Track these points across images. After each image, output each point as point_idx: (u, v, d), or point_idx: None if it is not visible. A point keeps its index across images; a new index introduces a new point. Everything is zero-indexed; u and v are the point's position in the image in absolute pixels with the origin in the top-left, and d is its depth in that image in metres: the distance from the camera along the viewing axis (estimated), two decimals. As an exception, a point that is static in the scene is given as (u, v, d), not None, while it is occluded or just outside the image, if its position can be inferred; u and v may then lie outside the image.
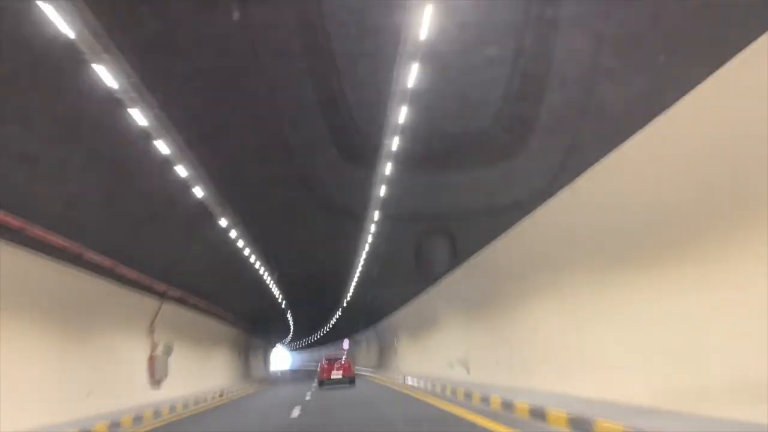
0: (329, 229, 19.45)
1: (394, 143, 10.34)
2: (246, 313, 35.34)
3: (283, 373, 68.19)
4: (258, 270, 24.10)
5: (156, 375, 19.21)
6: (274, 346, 71.40)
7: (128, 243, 14.36)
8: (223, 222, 16.25)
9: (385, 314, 35.36)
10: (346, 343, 52.23)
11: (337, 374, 26.25)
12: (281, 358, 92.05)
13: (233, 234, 17.69)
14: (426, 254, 18.05)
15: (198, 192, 13.11)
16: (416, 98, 8.70)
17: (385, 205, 14.43)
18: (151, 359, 19.17)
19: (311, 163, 12.16)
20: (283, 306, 38.51)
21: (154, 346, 19.51)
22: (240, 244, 19.06)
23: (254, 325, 41.93)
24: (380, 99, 8.88)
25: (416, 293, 24.54)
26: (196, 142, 10.82)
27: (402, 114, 9.27)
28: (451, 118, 9.66)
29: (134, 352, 18.17)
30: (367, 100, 9.16)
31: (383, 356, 43.02)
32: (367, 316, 39.83)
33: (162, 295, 19.30)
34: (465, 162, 10.84)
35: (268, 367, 64.22)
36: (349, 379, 26.12)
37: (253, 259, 21.86)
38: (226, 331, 33.19)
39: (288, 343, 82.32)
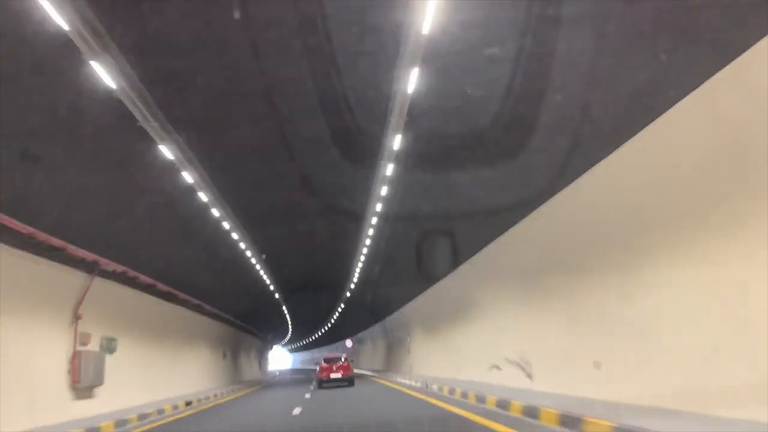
0: (328, 224, 18.98)
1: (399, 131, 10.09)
2: (235, 307, 31.46)
3: (282, 373, 65.81)
4: (253, 265, 22.92)
5: (83, 380, 13.20)
6: (271, 346, 69.06)
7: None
8: (215, 212, 14.80)
9: (393, 308, 31.44)
10: (348, 343, 49.83)
11: (336, 374, 25.64)
12: (280, 358, 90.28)
13: (225, 226, 16.48)
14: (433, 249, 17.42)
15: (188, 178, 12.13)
16: (418, 96, 8.69)
17: (388, 200, 14.21)
18: (75, 358, 12.98)
19: (311, 157, 11.98)
20: (280, 303, 36.31)
21: (82, 340, 13.32)
22: (234, 236, 17.90)
23: (246, 321, 38.19)
24: (381, 97, 8.91)
25: (435, 279, 21.13)
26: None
27: (404, 112, 9.22)
28: (452, 116, 9.61)
29: (41, 349, 12.04)
30: (369, 99, 9.17)
31: (392, 356, 37.32)
32: (372, 311, 36.45)
33: (91, 268, 13.11)
34: (466, 160, 10.81)
35: (264, 368, 58.61)
36: (348, 380, 25.53)
37: (248, 254, 20.83)
38: (205, 326, 27.37)
39: (287, 343, 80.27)
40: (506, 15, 7.20)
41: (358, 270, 25.08)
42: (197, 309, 24.72)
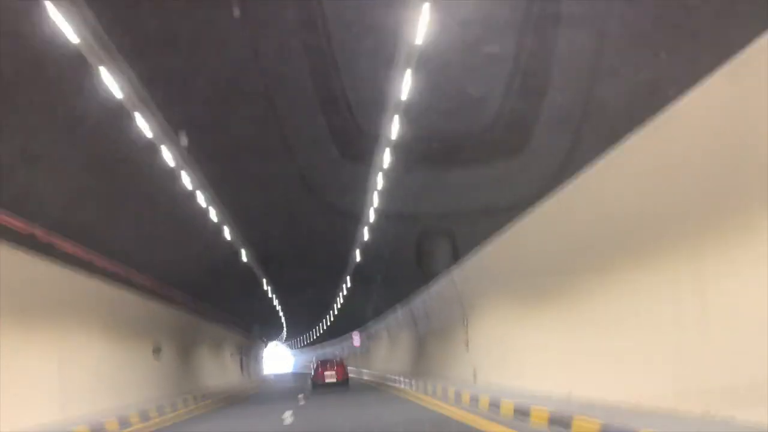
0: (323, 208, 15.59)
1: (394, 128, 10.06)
2: (192, 285, 22.18)
3: (277, 377, 54.62)
4: (230, 242, 18.75)
5: None
6: (265, 343, 60.18)
7: None
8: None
9: (429, 275, 20.24)
10: (355, 339, 41.34)
11: (330, 376, 25.21)
12: (280, 359, 79.42)
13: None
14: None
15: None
16: (417, 96, 8.74)
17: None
18: None
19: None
20: (260, 280, 27.76)
21: None
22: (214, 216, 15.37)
23: (220, 308, 29.29)
24: (380, 96, 8.89)
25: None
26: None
27: (402, 111, 9.30)
28: (451, 115, 9.56)
29: None
30: (367, 97, 9.13)
31: (425, 354, 25.90)
32: (389, 289, 25.41)
33: None
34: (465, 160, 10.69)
35: (252, 371, 45.47)
36: (343, 381, 25.25)
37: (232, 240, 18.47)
38: (105, 299, 15.95)
39: (286, 341, 71.86)
40: (505, 13, 7.19)
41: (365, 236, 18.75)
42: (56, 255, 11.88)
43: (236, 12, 7.06)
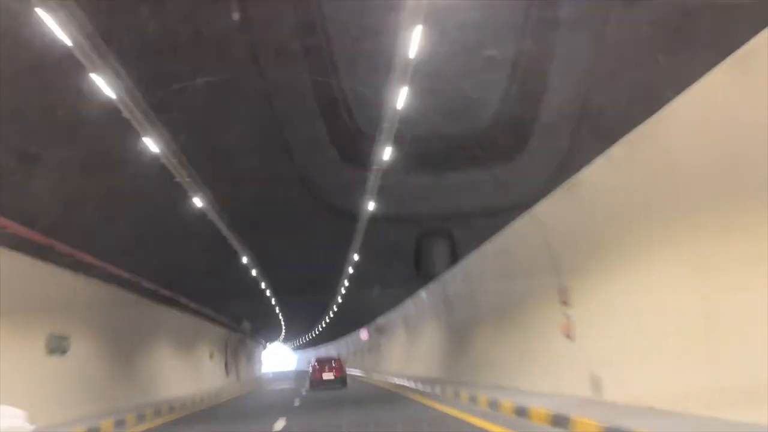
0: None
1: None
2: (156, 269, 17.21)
3: (276, 376, 53.81)
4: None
5: None
6: (264, 343, 58.09)
7: None
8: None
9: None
10: (363, 334, 37.59)
11: (328, 375, 25.78)
12: (281, 358, 78.03)
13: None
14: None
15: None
16: (416, 97, 8.73)
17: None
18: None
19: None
20: (252, 270, 23.98)
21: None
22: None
23: (189, 296, 23.22)
24: (379, 98, 8.87)
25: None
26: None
27: (401, 112, 9.27)
28: (450, 118, 9.60)
29: None
30: (366, 100, 9.14)
31: (465, 351, 18.32)
32: (410, 271, 18.53)
33: None
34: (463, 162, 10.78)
35: (239, 373, 38.85)
36: (341, 380, 25.84)
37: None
38: None
39: (288, 341, 69.32)
40: (504, 16, 7.23)
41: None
42: None
43: (235, 15, 7.19)
